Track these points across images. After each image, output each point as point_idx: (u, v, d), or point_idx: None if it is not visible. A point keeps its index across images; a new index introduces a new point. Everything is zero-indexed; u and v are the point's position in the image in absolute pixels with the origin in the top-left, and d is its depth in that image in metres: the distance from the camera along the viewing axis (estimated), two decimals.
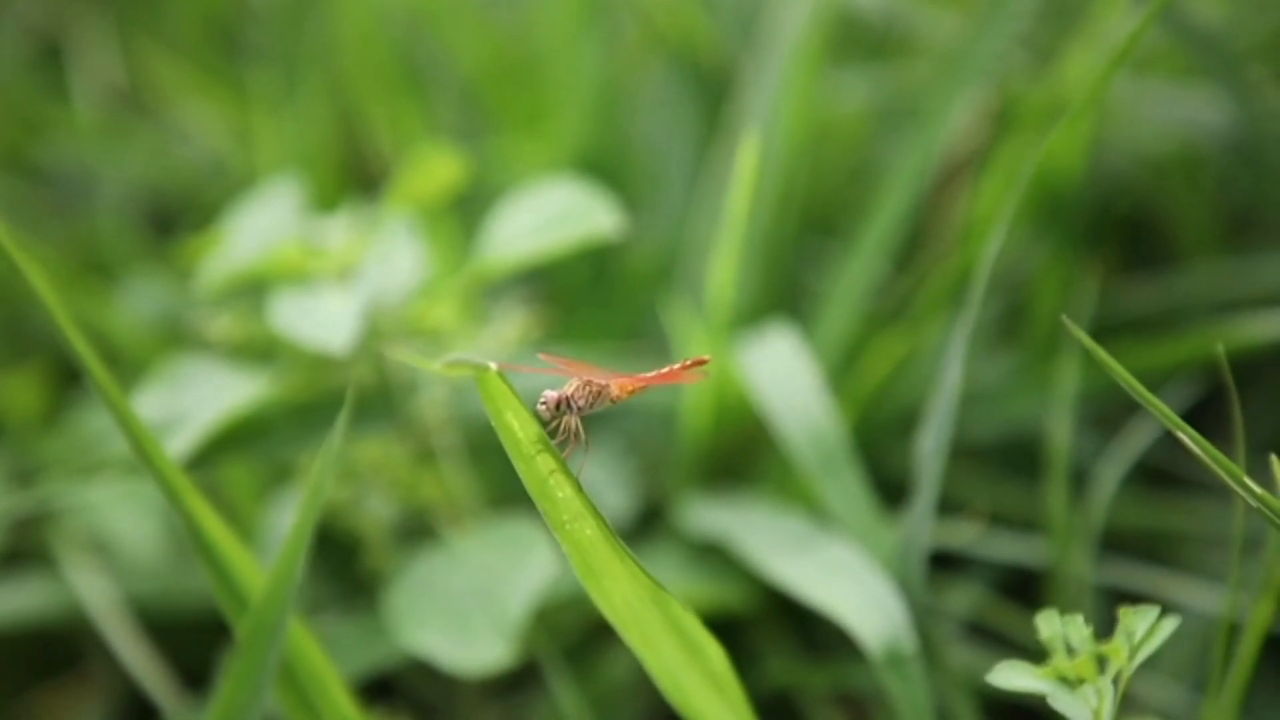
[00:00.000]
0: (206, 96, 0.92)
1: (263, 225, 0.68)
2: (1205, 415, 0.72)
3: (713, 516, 0.69)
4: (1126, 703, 0.65)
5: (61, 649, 0.78)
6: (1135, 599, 0.48)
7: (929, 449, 0.61)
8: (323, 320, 0.62)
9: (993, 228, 0.65)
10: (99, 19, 0.96)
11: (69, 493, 0.70)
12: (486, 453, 0.71)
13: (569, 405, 0.50)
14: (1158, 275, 0.80)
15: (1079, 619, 0.48)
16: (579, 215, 0.66)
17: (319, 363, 0.67)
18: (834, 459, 0.65)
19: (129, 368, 0.77)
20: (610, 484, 0.72)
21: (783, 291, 0.80)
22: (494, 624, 0.61)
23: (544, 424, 0.48)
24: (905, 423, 0.73)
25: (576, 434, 0.50)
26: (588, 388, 0.50)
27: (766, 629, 0.72)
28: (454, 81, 0.90)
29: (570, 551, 0.48)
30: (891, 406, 0.75)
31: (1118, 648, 0.47)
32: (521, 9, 0.91)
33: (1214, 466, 0.47)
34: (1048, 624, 0.48)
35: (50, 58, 0.97)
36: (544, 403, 0.50)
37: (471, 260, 0.67)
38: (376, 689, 0.71)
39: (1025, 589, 0.72)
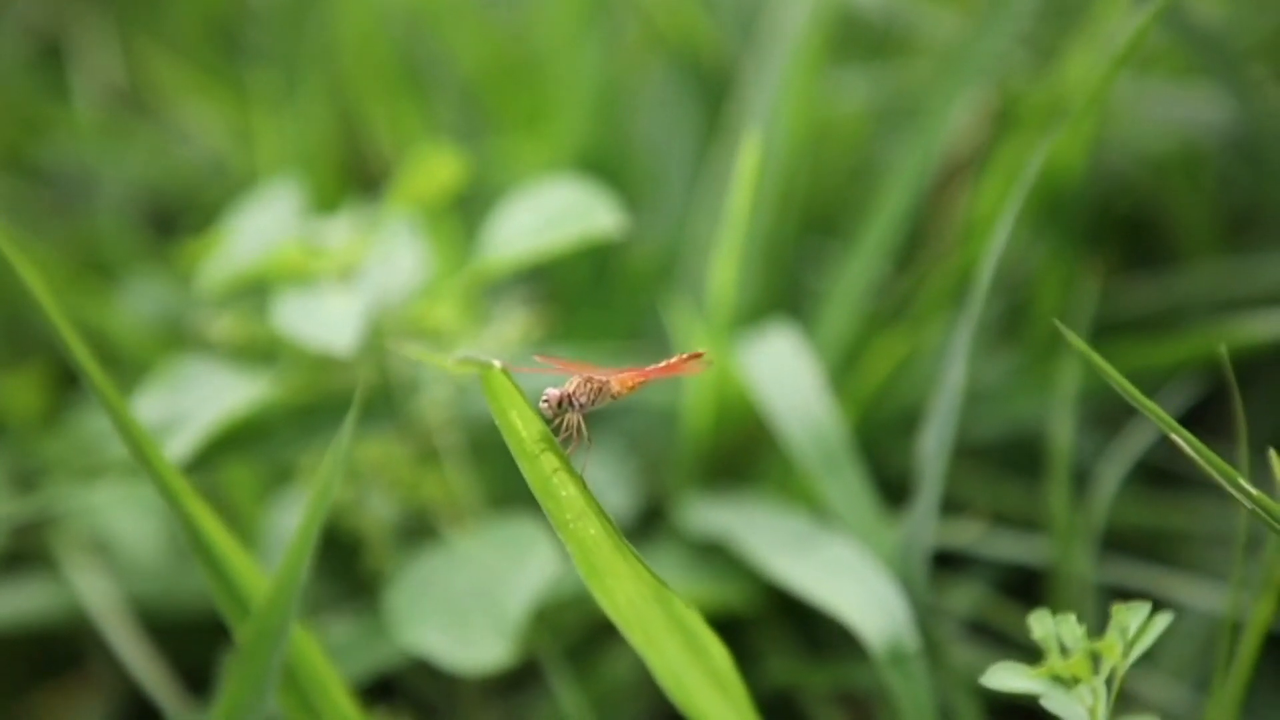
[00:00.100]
0: (206, 96, 0.92)
1: (263, 225, 0.68)
2: (1206, 414, 0.72)
3: (714, 516, 0.69)
4: (1127, 702, 0.65)
5: (62, 650, 0.78)
6: (1137, 598, 0.48)
7: (931, 448, 0.61)
8: (326, 321, 0.62)
9: (993, 228, 0.65)
10: (99, 19, 0.96)
11: (70, 497, 0.70)
12: (487, 453, 0.71)
13: (571, 403, 0.50)
14: (1158, 275, 0.80)
15: (1072, 618, 0.47)
16: (579, 215, 0.66)
17: (320, 363, 0.67)
18: (835, 458, 0.65)
19: (130, 368, 0.77)
20: (611, 483, 0.72)
21: (783, 291, 0.80)
22: (495, 624, 0.61)
23: (546, 422, 0.48)
24: (906, 422, 0.73)
25: (579, 432, 0.50)
26: (589, 384, 0.50)
27: (768, 628, 0.72)
28: (454, 81, 0.90)
29: (574, 550, 0.48)
30: (892, 406, 0.75)
31: (1111, 644, 0.46)
32: (521, 9, 0.91)
33: (1208, 469, 0.47)
34: (1040, 624, 0.48)
35: (50, 58, 0.97)
36: (546, 400, 0.50)
37: (472, 260, 0.67)
38: (377, 689, 0.71)
39: (1027, 588, 0.72)
